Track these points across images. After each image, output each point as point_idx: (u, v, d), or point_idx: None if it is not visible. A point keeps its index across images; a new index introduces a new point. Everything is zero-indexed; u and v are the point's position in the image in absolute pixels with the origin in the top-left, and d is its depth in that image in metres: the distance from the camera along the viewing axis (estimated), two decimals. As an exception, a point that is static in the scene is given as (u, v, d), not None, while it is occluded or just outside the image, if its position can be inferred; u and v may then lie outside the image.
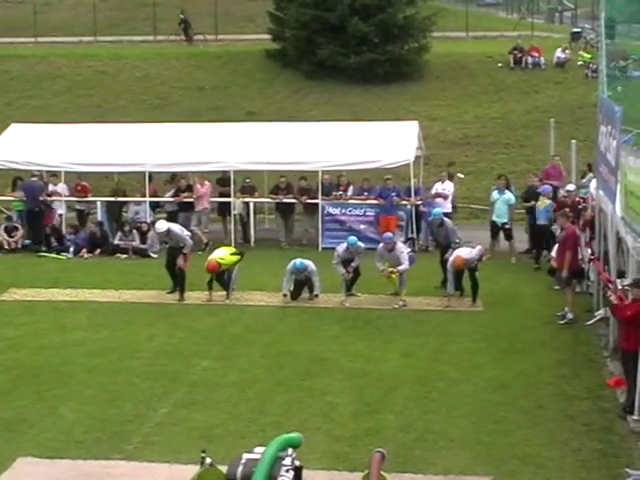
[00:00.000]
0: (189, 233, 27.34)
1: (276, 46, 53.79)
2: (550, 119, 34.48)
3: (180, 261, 25.61)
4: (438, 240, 28.12)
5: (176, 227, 26.64)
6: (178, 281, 25.87)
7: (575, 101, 43.45)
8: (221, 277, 25.48)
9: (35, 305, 25.73)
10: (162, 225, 26.17)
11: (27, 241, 33.02)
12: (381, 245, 25.49)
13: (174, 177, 34.05)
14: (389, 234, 25.97)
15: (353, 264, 25.44)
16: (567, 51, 52.22)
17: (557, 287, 24.49)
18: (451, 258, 24.70)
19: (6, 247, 32.69)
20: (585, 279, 24.65)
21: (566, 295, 23.20)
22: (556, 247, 24.32)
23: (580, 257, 24.02)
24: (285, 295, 25.25)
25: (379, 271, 25.19)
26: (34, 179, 33.75)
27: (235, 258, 25.69)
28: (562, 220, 23.78)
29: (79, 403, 18.18)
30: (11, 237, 32.92)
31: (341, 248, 25.52)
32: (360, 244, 25.62)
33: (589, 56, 51.11)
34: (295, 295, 25.45)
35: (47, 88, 48.31)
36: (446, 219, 27.28)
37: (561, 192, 29.60)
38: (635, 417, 16.60)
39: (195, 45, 58.33)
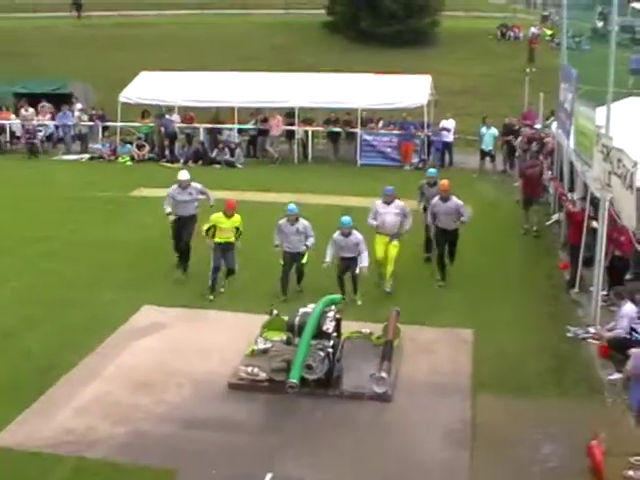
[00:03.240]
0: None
1: (330, 19, 54.35)
2: (525, 77, 34.39)
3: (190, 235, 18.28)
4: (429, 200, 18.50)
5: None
6: (185, 256, 18.36)
7: (543, 64, 43.07)
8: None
9: (156, 200, 25.76)
10: (186, 174, 19.06)
11: (151, 154, 33.35)
12: (378, 201, 17.59)
13: (257, 111, 33.95)
14: (390, 187, 17.70)
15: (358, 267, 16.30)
16: (537, 28, 52.75)
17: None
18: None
19: (136, 158, 32.99)
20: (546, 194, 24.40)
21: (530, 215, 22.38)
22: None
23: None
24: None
25: (372, 227, 17.44)
26: (168, 116, 33.89)
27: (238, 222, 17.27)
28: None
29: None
30: (140, 151, 33.27)
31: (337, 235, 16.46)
32: (356, 235, 16.31)
33: (550, 32, 52.17)
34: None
35: (166, 46, 48.15)
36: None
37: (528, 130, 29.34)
38: (575, 290, 16.77)
39: (83, 19, 58.17)
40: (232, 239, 17.01)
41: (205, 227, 17.11)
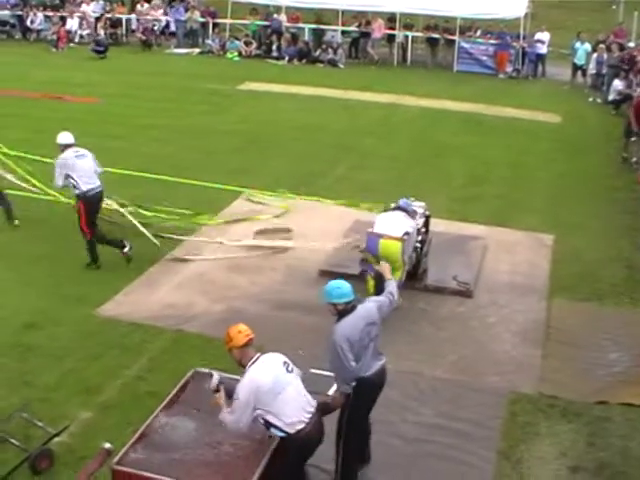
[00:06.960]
0: None
1: None
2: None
3: None
4: None
5: None
6: None
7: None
8: None
9: (260, 94, 25.85)
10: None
11: (258, 51, 33.18)
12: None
13: (360, 14, 33.51)
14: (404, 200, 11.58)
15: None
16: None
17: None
18: None
19: (243, 54, 32.85)
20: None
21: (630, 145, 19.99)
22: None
23: None
24: None
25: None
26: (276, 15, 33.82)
27: None
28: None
29: (285, 159, 18.40)
30: (247, 47, 33.08)
31: None
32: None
33: None
34: None
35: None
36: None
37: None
38: (653, 205, 16.27)
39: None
40: None
41: None
